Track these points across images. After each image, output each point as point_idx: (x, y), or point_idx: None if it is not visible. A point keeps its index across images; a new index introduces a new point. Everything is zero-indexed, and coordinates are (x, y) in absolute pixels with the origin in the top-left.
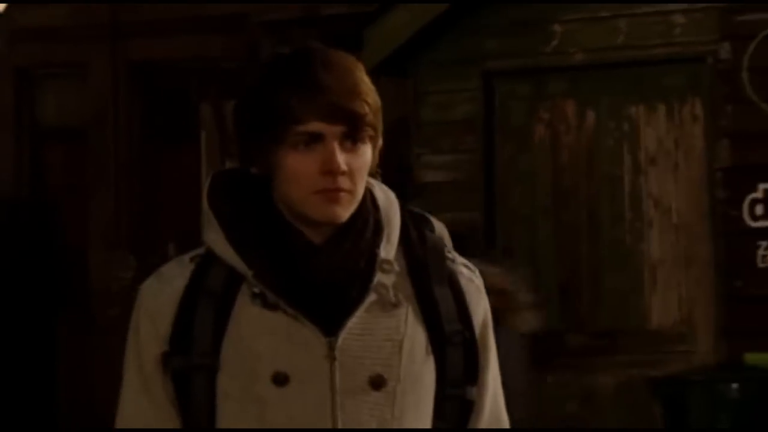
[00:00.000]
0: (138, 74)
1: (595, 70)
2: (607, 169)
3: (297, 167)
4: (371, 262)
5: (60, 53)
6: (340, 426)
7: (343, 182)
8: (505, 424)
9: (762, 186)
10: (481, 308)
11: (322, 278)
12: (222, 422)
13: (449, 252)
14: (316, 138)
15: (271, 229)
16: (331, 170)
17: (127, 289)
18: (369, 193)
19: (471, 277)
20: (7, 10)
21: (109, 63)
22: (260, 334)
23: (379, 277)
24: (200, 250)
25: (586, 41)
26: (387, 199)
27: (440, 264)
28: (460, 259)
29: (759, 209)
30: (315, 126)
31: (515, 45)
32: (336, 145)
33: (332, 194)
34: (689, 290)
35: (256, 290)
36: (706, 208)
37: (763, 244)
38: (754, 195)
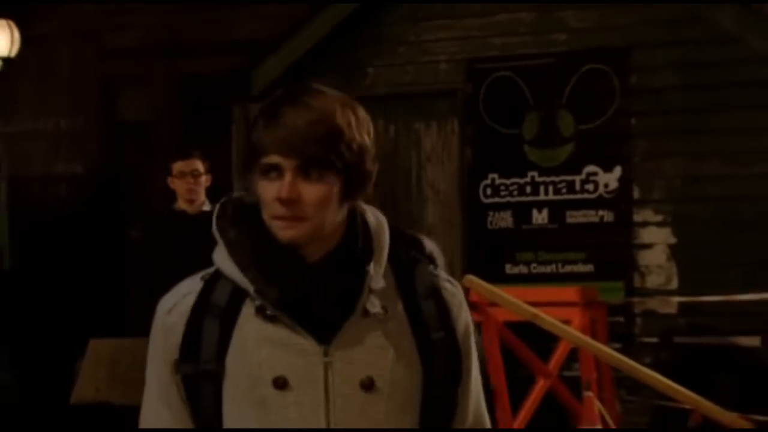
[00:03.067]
0: (186, 83)
1: (393, 98)
2: (401, 164)
3: (262, 194)
4: (361, 278)
5: (132, 67)
6: (333, 425)
7: (296, 210)
8: (487, 424)
9: (491, 176)
10: (462, 319)
11: (316, 293)
12: (227, 424)
13: (434, 269)
14: (276, 168)
15: (269, 249)
16: (279, 199)
17: None
18: (360, 217)
19: (453, 291)
20: (94, 33)
21: (166, 75)
22: (261, 344)
23: (368, 292)
24: (211, 269)
25: (388, 79)
26: (377, 222)
27: (425, 279)
28: (443, 275)
29: (488, 191)
30: (273, 158)
31: (342, 83)
32: (290, 177)
33: (287, 221)
34: (451, 244)
35: (258, 304)
36: (459, 190)
37: (491, 213)
38: (485, 182)
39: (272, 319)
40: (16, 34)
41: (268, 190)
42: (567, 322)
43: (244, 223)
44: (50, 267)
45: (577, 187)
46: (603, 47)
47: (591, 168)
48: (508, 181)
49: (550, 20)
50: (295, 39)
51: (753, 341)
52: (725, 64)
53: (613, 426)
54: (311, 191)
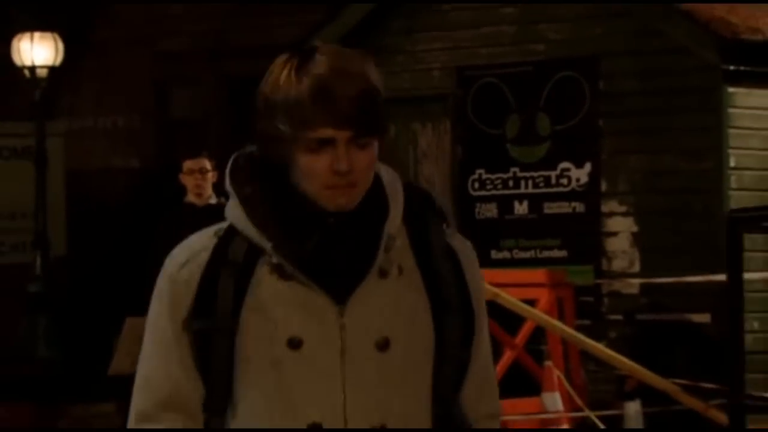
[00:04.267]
0: (232, 84)
1: (392, 102)
2: (400, 160)
3: (309, 166)
4: (377, 237)
5: (182, 69)
6: (347, 385)
7: (350, 177)
8: (494, 383)
9: (478, 171)
10: (475, 278)
11: (334, 252)
12: (241, 383)
13: (447, 227)
14: (327, 141)
15: (288, 208)
16: (338, 171)
17: None
18: (375, 175)
19: (466, 251)
20: (148, 39)
21: (214, 76)
22: (277, 302)
23: (383, 251)
24: (223, 224)
25: (388, 85)
26: (391, 180)
27: (440, 238)
28: (457, 234)
29: (476, 185)
30: (325, 132)
31: None
32: (344, 148)
33: (341, 189)
34: None
35: (274, 261)
36: (451, 184)
37: (478, 204)
38: (473, 176)
39: (289, 277)
40: (60, 46)
41: (318, 162)
42: (535, 300)
43: (259, 179)
44: (101, 253)
45: (553, 181)
46: (575, 57)
47: (565, 164)
48: (493, 176)
49: (529, 33)
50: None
51: (704, 318)
52: (679, 72)
53: (572, 391)
54: (362, 158)
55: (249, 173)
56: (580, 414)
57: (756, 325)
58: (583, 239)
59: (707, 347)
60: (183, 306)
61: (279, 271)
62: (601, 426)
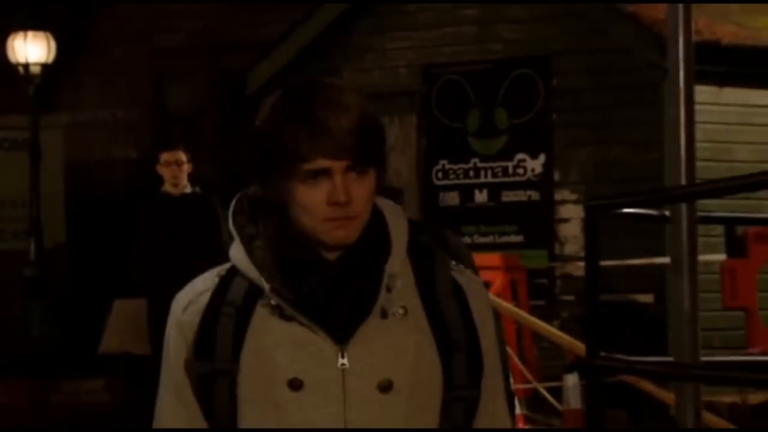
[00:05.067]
0: (226, 79)
1: (372, 99)
2: None
3: (306, 200)
4: (379, 276)
5: (178, 64)
6: (349, 426)
7: (349, 210)
8: (505, 416)
9: (441, 162)
10: (482, 315)
11: (334, 292)
12: (243, 424)
13: (455, 265)
14: (323, 173)
15: (288, 248)
16: (336, 201)
17: None
18: (378, 211)
19: (475, 288)
20: (146, 35)
21: (208, 71)
22: (277, 344)
23: (385, 291)
24: (227, 265)
25: (358, 81)
26: (394, 216)
27: (446, 276)
28: (465, 271)
29: (440, 175)
30: (321, 163)
31: None
32: (340, 178)
33: (340, 222)
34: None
35: (274, 303)
36: (416, 174)
37: (441, 193)
38: (437, 167)
39: (289, 319)
40: (53, 44)
41: (316, 195)
42: (490, 283)
43: (261, 219)
44: (100, 240)
45: (510, 171)
46: (530, 55)
47: (521, 155)
48: (455, 167)
49: (488, 33)
50: (282, 47)
51: (647, 298)
52: (625, 70)
53: (523, 367)
54: (360, 189)
55: (250, 214)
56: (529, 386)
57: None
58: (537, 225)
59: (651, 324)
60: (185, 349)
61: (279, 313)
62: (549, 397)
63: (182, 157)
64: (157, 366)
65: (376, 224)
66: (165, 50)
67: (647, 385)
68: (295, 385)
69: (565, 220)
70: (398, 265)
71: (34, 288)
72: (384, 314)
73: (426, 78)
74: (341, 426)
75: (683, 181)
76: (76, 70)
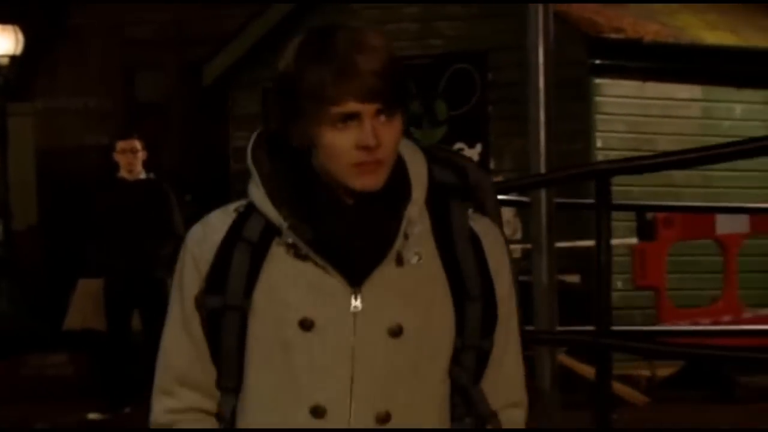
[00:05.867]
0: (193, 70)
1: None
2: None
3: (334, 143)
4: (397, 220)
5: (148, 55)
6: (357, 370)
7: (378, 154)
8: (518, 369)
9: None
10: (499, 265)
11: (351, 235)
12: (251, 362)
13: (472, 210)
14: (352, 116)
15: (307, 188)
16: (366, 146)
17: None
18: (398, 155)
19: (491, 236)
20: (117, 27)
21: (175, 62)
22: (290, 283)
23: (403, 235)
24: (244, 201)
25: None
26: (414, 158)
27: (462, 222)
28: (481, 218)
29: None
30: (351, 107)
31: (274, 77)
32: (370, 122)
33: (368, 166)
34: None
35: (290, 241)
36: None
37: None
38: None
39: (304, 258)
40: (20, 37)
41: (344, 139)
42: None
43: (280, 157)
44: (71, 222)
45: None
46: (468, 51)
47: (459, 145)
48: None
49: (428, 30)
50: (236, 42)
51: (574, 278)
52: (554, 65)
53: None
54: (389, 133)
55: (269, 152)
56: None
57: (620, 284)
58: None
59: (578, 303)
60: (196, 283)
61: (294, 251)
62: None
63: (137, 145)
64: (115, 339)
65: (397, 166)
66: (135, 41)
67: (565, 360)
68: (306, 324)
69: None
70: (417, 211)
71: (1, 268)
72: (399, 260)
73: None
74: (348, 369)
75: (542, 171)
76: (50, 60)
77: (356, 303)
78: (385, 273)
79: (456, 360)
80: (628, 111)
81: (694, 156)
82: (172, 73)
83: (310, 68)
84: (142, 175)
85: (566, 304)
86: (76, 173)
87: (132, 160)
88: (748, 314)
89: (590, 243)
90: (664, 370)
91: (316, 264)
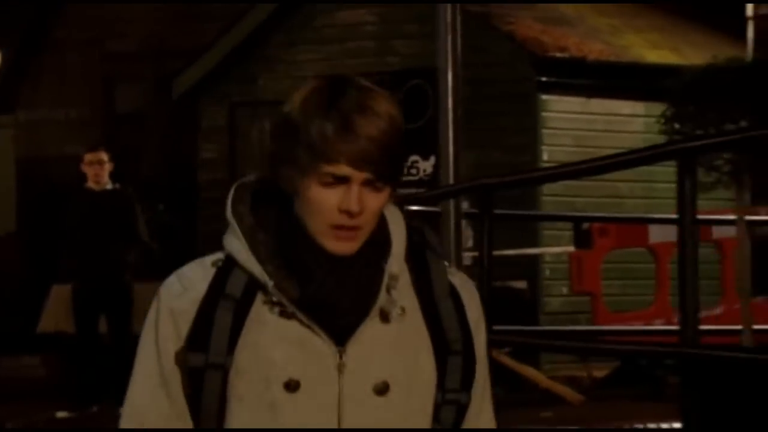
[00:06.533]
0: (169, 81)
1: (277, 103)
2: None
3: (318, 200)
4: (379, 276)
5: (127, 68)
6: (343, 429)
7: (359, 220)
8: (492, 422)
9: None
10: (475, 318)
11: (336, 292)
12: (234, 423)
13: (449, 265)
14: (342, 179)
15: (290, 240)
16: (348, 210)
17: None
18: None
19: (470, 290)
20: (97, 40)
21: (153, 74)
22: (275, 342)
23: (386, 291)
24: (221, 255)
25: (272, 89)
26: (394, 217)
27: (442, 277)
28: (457, 272)
29: None
30: (343, 170)
31: (240, 91)
32: (357, 188)
33: (346, 231)
34: None
35: (275, 299)
36: None
37: None
38: None
39: (288, 316)
40: (1, 51)
41: (329, 198)
42: None
43: (262, 206)
44: (49, 230)
45: (405, 171)
46: (422, 68)
47: (414, 157)
48: None
49: (386, 47)
50: (205, 56)
51: (521, 284)
52: (503, 82)
53: None
54: (374, 202)
55: (252, 202)
56: None
57: (564, 290)
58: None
59: (525, 307)
60: (177, 338)
61: (278, 309)
62: None
63: (104, 157)
64: (83, 341)
65: (378, 224)
66: (115, 54)
67: (507, 360)
68: (292, 386)
69: None
70: (398, 265)
71: None
72: (383, 315)
73: None
74: (335, 427)
75: (451, 183)
76: (31, 73)
77: (341, 361)
78: (370, 329)
79: (435, 416)
80: (573, 126)
81: (571, 170)
82: (149, 85)
83: (312, 120)
84: (109, 186)
85: (514, 308)
86: (56, 182)
87: (99, 171)
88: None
89: (537, 251)
90: (600, 371)
91: (301, 322)
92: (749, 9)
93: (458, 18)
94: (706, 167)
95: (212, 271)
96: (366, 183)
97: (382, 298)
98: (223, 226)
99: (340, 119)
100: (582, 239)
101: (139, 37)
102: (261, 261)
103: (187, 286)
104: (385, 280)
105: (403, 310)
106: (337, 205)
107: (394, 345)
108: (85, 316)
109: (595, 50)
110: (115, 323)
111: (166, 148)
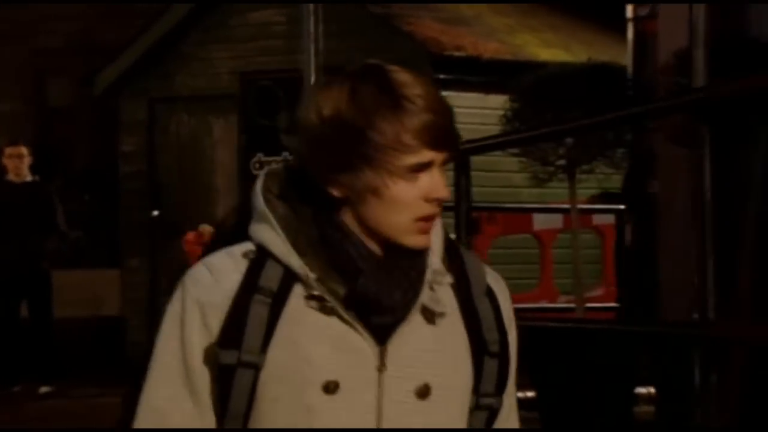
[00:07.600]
0: (91, 78)
1: (193, 99)
2: (198, 146)
3: (400, 195)
4: (422, 273)
5: (58, 63)
6: None
7: (439, 207)
8: (516, 424)
9: (258, 155)
10: (510, 319)
11: (380, 288)
12: (265, 424)
13: (483, 264)
14: (424, 166)
15: (333, 237)
16: (438, 198)
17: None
18: None
19: (501, 289)
20: (27, 36)
21: (83, 69)
22: (313, 340)
23: (428, 288)
24: (250, 246)
25: (189, 85)
26: None
27: (480, 276)
28: (491, 272)
29: (257, 165)
30: (426, 155)
31: (157, 87)
32: (439, 171)
33: (428, 223)
34: (230, 204)
35: (315, 293)
36: (237, 165)
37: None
38: (254, 159)
39: (328, 312)
40: None
41: (411, 190)
42: None
43: (295, 203)
44: None
45: None
46: (327, 65)
47: None
48: (269, 159)
49: (294, 46)
50: (124, 54)
51: None
52: None
53: None
54: (446, 185)
55: (283, 193)
56: None
57: None
58: None
59: None
60: (206, 333)
61: (318, 305)
62: None
63: (23, 151)
64: (3, 326)
65: None
66: (45, 50)
67: None
68: (330, 388)
69: None
70: (439, 262)
71: None
72: (425, 313)
73: (244, 83)
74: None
75: None
76: None
77: (382, 362)
78: (411, 328)
79: (469, 419)
80: (471, 120)
81: None
82: (78, 80)
83: (376, 115)
84: (28, 178)
85: None
86: None
87: (18, 164)
88: (561, 300)
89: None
90: None
91: (341, 319)
92: (629, 10)
93: (320, 26)
94: (542, 162)
95: (244, 262)
96: (441, 164)
97: (425, 294)
98: (144, 217)
99: (407, 104)
100: (471, 226)
101: (69, 33)
102: (301, 254)
103: (218, 277)
104: (428, 276)
105: (445, 308)
106: (423, 195)
107: (436, 345)
108: (5, 302)
109: (490, 49)
110: (35, 308)
111: (93, 141)
